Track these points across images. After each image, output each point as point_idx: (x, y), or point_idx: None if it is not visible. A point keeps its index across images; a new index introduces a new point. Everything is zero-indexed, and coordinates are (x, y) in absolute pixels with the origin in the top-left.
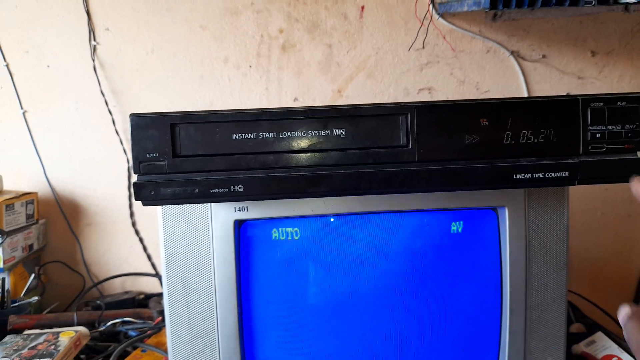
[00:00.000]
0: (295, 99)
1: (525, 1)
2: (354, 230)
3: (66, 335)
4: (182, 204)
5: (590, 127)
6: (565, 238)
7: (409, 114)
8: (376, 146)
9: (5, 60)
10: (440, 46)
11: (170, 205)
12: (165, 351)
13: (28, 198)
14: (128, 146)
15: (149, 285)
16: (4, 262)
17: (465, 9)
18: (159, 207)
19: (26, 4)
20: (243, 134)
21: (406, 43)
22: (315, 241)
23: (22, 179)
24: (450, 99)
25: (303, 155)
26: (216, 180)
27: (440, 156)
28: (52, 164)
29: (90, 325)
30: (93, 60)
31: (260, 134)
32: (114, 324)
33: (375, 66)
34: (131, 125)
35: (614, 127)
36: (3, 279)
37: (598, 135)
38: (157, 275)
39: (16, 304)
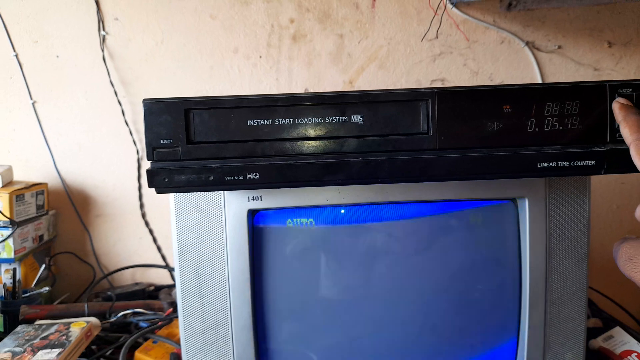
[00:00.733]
0: (306, 90)
1: None
2: (370, 221)
3: (77, 326)
4: (197, 191)
5: None
6: (587, 230)
7: (429, 100)
8: (395, 133)
9: (14, 50)
10: (453, 36)
11: (183, 195)
12: (177, 342)
13: (38, 189)
14: (138, 137)
15: (158, 276)
16: (15, 253)
17: None
18: (171, 197)
19: None
20: (258, 120)
21: (419, 33)
22: (331, 232)
23: (32, 169)
24: None
25: (320, 142)
26: (231, 168)
27: (461, 144)
28: (61, 155)
29: (101, 316)
30: (102, 51)
31: (276, 120)
32: (124, 315)
33: (387, 57)
34: (144, 111)
35: None
36: (14, 270)
37: None
38: (167, 267)
39: (27, 295)
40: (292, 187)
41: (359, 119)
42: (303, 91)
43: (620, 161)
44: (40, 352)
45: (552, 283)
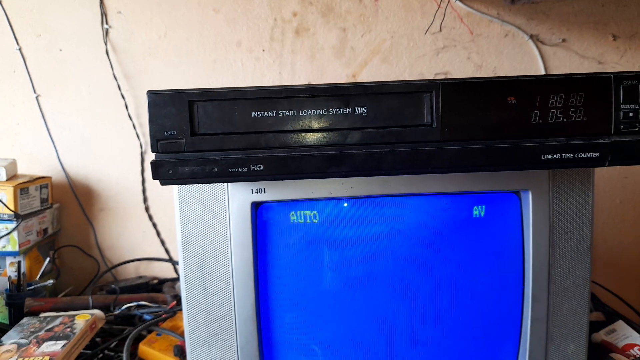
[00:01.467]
0: (309, 84)
1: None
2: (373, 214)
3: (82, 318)
4: (200, 183)
5: (622, 106)
6: (590, 223)
7: (433, 92)
8: (399, 125)
9: (18, 43)
10: (457, 30)
11: (186, 187)
12: (180, 335)
13: (42, 182)
14: (141, 131)
15: (162, 270)
16: (20, 246)
17: None
18: (175, 190)
19: None
20: (262, 112)
21: (422, 27)
22: (334, 225)
23: (36, 163)
24: None
25: (324, 134)
26: (235, 159)
27: (465, 135)
28: (65, 149)
29: (105, 308)
30: (105, 44)
31: (280, 112)
32: (128, 308)
33: (390, 50)
34: (148, 102)
35: None
36: (19, 262)
37: (631, 114)
38: (171, 260)
39: (32, 287)
40: (296, 178)
41: (363, 111)
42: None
43: (624, 153)
44: (45, 343)
45: (555, 276)
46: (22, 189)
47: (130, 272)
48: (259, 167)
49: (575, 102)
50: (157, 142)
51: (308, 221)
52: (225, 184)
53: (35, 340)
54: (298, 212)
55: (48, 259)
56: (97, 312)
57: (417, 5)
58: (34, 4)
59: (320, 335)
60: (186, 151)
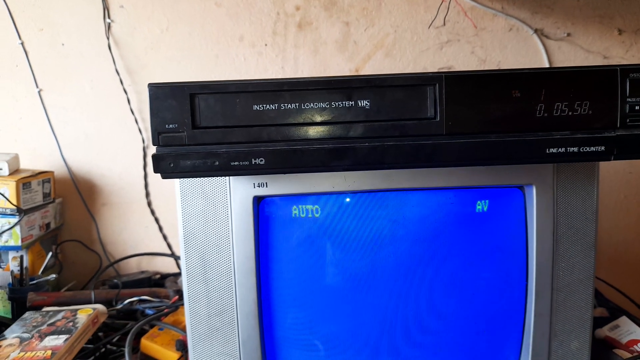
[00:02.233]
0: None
1: None
2: (376, 209)
3: (84, 313)
4: (202, 176)
5: (628, 99)
6: (595, 218)
7: (437, 85)
8: (402, 118)
9: (20, 38)
10: (461, 24)
11: (188, 181)
12: (182, 329)
13: (44, 177)
14: (143, 126)
15: (164, 265)
16: (22, 240)
17: None
18: (176, 183)
19: None
20: (264, 105)
21: (426, 21)
22: (337, 219)
23: (38, 157)
24: None
25: (326, 127)
26: (237, 153)
27: (469, 129)
28: (67, 143)
29: (107, 303)
30: (108, 39)
31: (282, 105)
32: (131, 303)
33: (393, 45)
34: (150, 95)
35: None
36: (21, 257)
37: (637, 107)
38: (173, 255)
39: (34, 282)
40: (298, 172)
41: (366, 104)
42: None
43: (630, 147)
44: (48, 338)
45: (559, 271)
46: (24, 184)
47: (133, 267)
48: (261, 160)
49: (581, 95)
50: (158, 135)
51: (310, 216)
52: (227, 178)
53: (37, 334)
54: (300, 206)
55: (50, 253)
56: (100, 306)
57: None
58: None
59: (322, 330)
60: (187, 144)
